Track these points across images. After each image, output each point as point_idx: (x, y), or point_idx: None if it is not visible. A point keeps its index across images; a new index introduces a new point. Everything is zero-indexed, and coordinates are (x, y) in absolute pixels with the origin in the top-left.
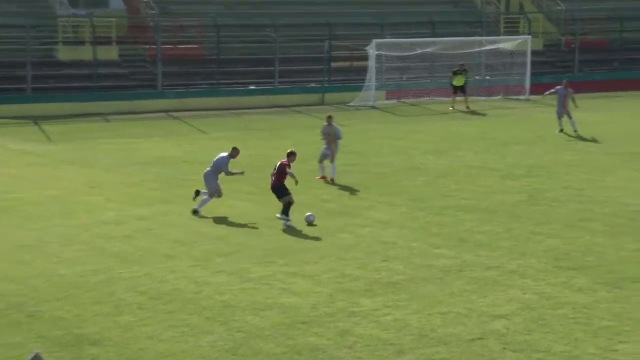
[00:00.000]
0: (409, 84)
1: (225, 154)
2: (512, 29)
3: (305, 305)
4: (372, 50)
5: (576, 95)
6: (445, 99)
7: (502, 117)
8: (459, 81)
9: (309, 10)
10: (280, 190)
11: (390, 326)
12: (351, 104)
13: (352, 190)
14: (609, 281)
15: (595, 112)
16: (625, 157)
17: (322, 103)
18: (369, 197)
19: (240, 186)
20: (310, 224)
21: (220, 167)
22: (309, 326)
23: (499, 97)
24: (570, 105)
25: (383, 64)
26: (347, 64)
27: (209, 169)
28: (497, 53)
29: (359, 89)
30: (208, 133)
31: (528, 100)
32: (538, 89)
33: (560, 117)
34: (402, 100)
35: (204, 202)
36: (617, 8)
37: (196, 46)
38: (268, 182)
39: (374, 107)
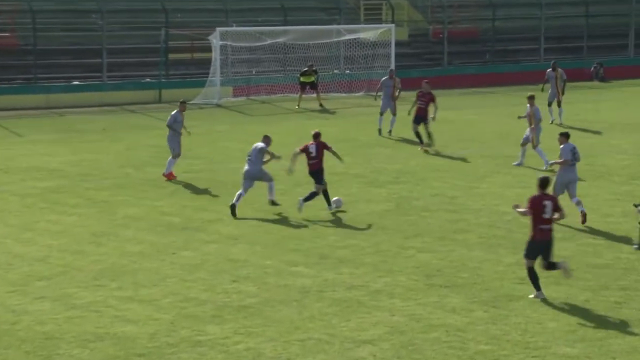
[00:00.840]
0: (258, 79)
1: (261, 144)
2: (374, 17)
3: (143, 334)
4: (215, 40)
5: (446, 92)
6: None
7: (365, 116)
8: (307, 78)
9: None
10: (321, 173)
11: (242, 356)
12: (193, 102)
13: (195, 201)
14: (485, 299)
15: (466, 109)
16: (499, 160)
17: (159, 100)
18: (215, 209)
19: (64, 197)
20: (338, 208)
21: (262, 152)
22: (147, 359)
23: (361, 93)
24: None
25: (228, 55)
26: (187, 55)
27: (247, 167)
28: (358, 44)
29: (201, 84)
30: (23, 136)
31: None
32: (404, 83)
33: (550, 104)
34: (251, 97)
35: (271, 189)
36: None
37: (7, 34)
38: (96, 192)
39: (218, 105)
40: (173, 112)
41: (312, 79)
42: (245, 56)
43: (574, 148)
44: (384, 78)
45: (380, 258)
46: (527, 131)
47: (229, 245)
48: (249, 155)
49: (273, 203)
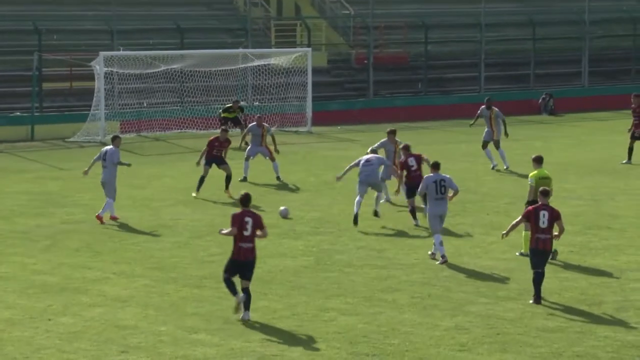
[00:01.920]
0: (151, 112)
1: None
2: (287, 40)
3: None
4: (99, 66)
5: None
6: (202, 132)
7: (277, 155)
8: (230, 114)
9: (10, 10)
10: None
11: None
12: (72, 139)
13: (75, 257)
14: None
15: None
16: None
17: (31, 138)
18: (99, 266)
19: None
20: (284, 217)
21: (383, 160)
22: None
23: (273, 128)
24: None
25: (115, 84)
26: (65, 84)
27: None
28: (268, 71)
29: (82, 118)
30: None
31: (310, 132)
32: (323, 117)
33: (485, 145)
34: (142, 134)
35: (379, 199)
36: (418, 13)
37: None
38: None
39: (103, 143)
40: (112, 148)
41: (234, 115)
42: (135, 85)
43: (442, 180)
44: (251, 124)
45: (296, 322)
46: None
47: (116, 308)
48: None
49: (376, 214)
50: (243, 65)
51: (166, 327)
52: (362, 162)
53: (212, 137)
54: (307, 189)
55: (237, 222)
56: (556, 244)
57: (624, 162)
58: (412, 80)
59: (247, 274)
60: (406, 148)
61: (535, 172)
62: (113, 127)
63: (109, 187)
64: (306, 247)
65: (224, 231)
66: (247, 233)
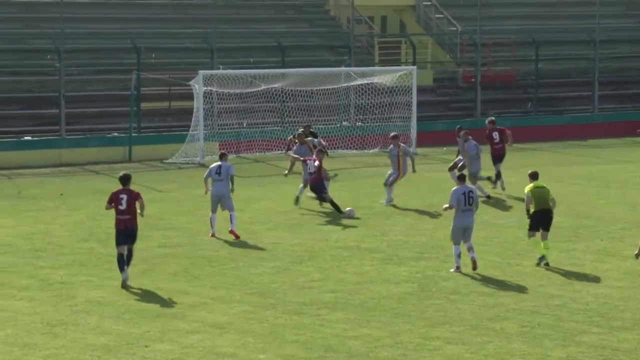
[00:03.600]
0: (250, 133)
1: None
2: (391, 57)
3: None
4: (197, 86)
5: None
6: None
7: (378, 178)
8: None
9: (108, 28)
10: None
11: None
12: (170, 161)
13: (172, 282)
14: None
15: (503, 170)
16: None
17: (129, 159)
18: (196, 291)
19: (11, 278)
20: (351, 217)
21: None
22: None
23: (376, 150)
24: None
25: (214, 104)
26: (164, 104)
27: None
28: (372, 90)
29: (181, 139)
30: None
31: (415, 153)
32: (427, 138)
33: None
34: (241, 155)
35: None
36: (528, 29)
37: None
38: (50, 272)
39: (202, 165)
40: (225, 162)
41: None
42: (235, 105)
43: (470, 192)
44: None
45: (399, 351)
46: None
47: (215, 335)
48: None
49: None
50: (345, 85)
51: (265, 355)
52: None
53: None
54: (411, 212)
55: (112, 199)
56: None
57: None
58: (522, 100)
59: (129, 240)
60: (492, 122)
61: (531, 184)
62: (212, 148)
63: (227, 200)
64: (410, 273)
65: (108, 206)
66: (122, 207)
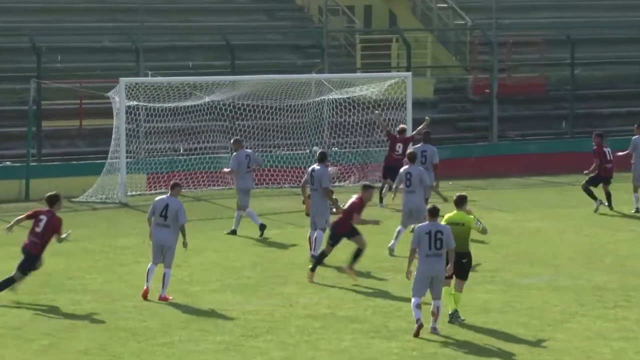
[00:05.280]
0: (190, 161)
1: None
2: (378, 60)
3: None
4: (118, 98)
5: (494, 182)
6: (259, 188)
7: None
8: None
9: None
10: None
11: None
12: (81, 199)
13: None
14: None
15: (529, 211)
16: (586, 293)
17: (26, 197)
18: None
19: None
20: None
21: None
22: None
23: (353, 181)
24: None
25: (140, 123)
26: (73, 123)
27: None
28: (352, 104)
29: (95, 170)
30: None
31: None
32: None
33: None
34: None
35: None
36: (560, 23)
37: None
38: None
39: (124, 205)
40: (173, 199)
41: None
42: (168, 124)
43: (439, 232)
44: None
45: None
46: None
47: None
48: None
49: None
50: (317, 98)
51: None
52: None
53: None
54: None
55: (33, 215)
56: None
57: None
58: (553, 117)
59: (24, 264)
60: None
61: (449, 215)
62: (138, 183)
63: (170, 253)
64: (404, 350)
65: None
66: (38, 230)
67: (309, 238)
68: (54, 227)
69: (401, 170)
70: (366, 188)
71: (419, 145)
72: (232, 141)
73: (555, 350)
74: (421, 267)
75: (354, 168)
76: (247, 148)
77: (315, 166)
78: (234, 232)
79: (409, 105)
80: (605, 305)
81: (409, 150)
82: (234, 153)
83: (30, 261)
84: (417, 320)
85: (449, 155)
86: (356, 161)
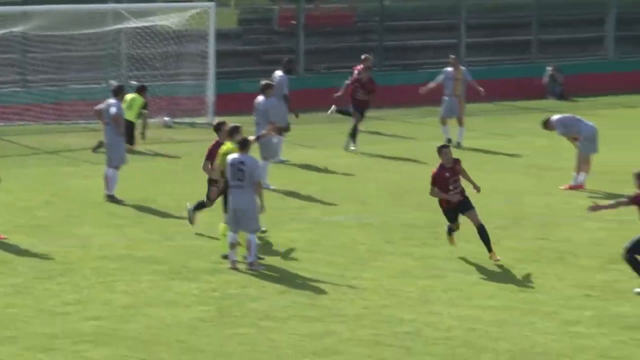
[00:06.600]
0: None
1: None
2: None
3: None
4: None
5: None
6: (53, 124)
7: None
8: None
9: None
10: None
11: None
12: None
13: None
14: None
15: (336, 148)
16: (395, 231)
17: None
18: None
19: None
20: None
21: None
22: None
23: (160, 118)
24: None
25: None
26: None
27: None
28: (152, 35)
29: None
30: None
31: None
32: (231, 103)
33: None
34: None
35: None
36: None
37: None
38: None
39: None
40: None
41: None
42: None
43: (241, 162)
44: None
45: None
46: None
47: None
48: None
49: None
50: (115, 27)
51: None
52: None
53: None
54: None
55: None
56: (563, 285)
57: None
58: (361, 50)
59: None
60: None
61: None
62: None
63: None
64: (204, 291)
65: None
66: None
67: (105, 176)
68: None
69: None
70: None
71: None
72: None
73: (362, 289)
74: (229, 199)
75: (160, 102)
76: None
77: (111, 100)
78: None
79: (212, 37)
80: (412, 243)
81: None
82: None
83: None
84: (233, 261)
85: (254, 89)
86: (161, 94)
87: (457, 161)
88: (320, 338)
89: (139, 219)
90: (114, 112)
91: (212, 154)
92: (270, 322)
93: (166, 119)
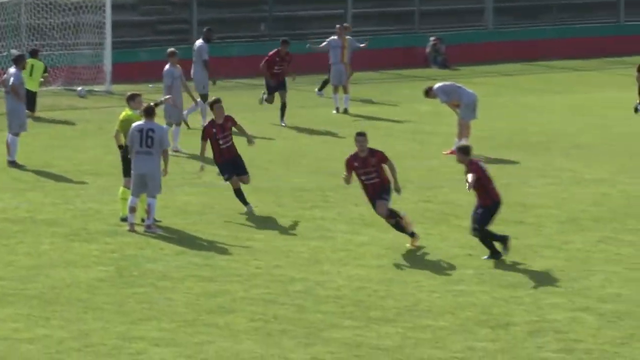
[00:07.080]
0: None
1: None
2: None
3: None
4: None
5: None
6: None
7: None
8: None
9: None
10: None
11: None
12: None
13: None
14: None
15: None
16: (284, 193)
17: None
18: None
19: None
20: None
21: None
22: None
23: (56, 86)
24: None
25: None
26: None
27: None
28: (50, 6)
29: None
30: None
31: (110, 92)
32: (127, 72)
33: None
34: None
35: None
36: None
37: None
38: None
39: None
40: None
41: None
42: None
43: (150, 129)
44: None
45: (90, 357)
46: None
47: None
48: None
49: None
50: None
51: None
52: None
53: None
54: (105, 171)
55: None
56: (449, 245)
57: None
58: (253, 20)
59: None
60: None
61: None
62: None
63: None
64: (103, 252)
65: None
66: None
67: (6, 142)
68: None
69: None
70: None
71: None
72: None
73: (255, 250)
74: (134, 164)
75: (58, 71)
76: None
77: (11, 69)
78: None
79: (108, 7)
80: (303, 206)
81: None
82: None
83: None
84: (131, 224)
85: (150, 58)
86: (60, 64)
87: (373, 152)
88: (215, 297)
89: (39, 183)
90: (12, 83)
91: None
92: (167, 282)
93: (79, 89)
